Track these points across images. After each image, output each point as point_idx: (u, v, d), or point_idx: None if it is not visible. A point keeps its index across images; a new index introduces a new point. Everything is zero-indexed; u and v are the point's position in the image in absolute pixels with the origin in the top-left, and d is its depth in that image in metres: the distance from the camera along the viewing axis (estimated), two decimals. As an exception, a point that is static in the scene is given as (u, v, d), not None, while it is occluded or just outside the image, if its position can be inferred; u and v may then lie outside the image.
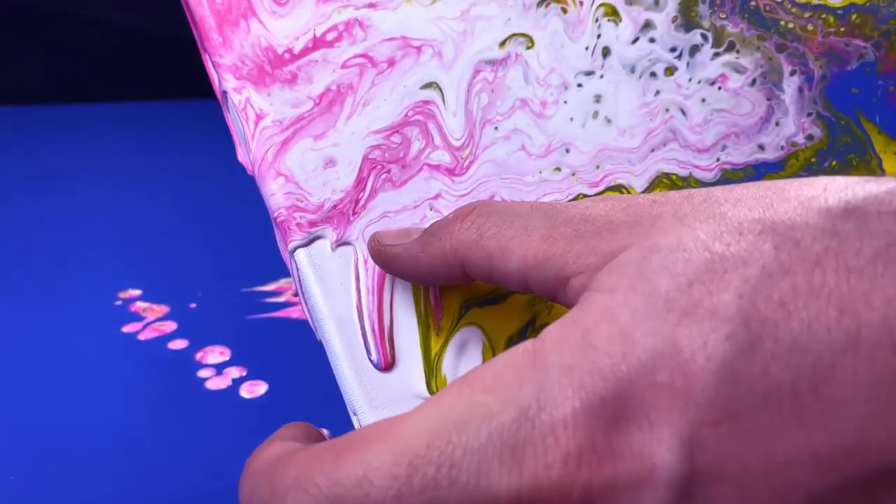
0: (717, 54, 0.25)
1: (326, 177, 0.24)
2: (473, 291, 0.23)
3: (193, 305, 0.41)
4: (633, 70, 0.25)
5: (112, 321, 0.38)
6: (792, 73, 0.25)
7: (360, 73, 0.25)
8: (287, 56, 0.25)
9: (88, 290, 0.42)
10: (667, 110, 0.25)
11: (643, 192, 0.25)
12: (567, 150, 0.25)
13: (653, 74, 0.25)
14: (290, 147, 0.25)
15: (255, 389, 0.33)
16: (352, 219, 0.23)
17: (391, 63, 0.26)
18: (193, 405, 0.31)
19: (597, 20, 0.26)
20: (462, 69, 0.25)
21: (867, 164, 0.25)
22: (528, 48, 0.26)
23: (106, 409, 0.30)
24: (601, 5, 0.25)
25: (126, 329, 0.37)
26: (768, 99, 0.25)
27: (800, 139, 0.25)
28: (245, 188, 0.69)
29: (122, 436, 0.29)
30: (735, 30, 0.25)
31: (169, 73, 1.05)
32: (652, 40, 0.25)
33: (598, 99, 0.26)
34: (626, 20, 0.25)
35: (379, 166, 0.25)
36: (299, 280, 0.23)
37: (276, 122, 0.25)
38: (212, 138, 0.90)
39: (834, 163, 0.25)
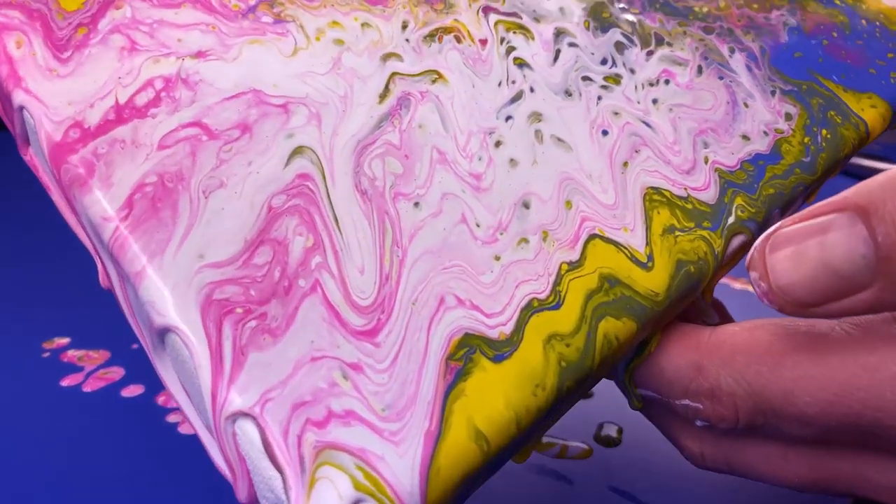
0: (650, 53, 0.24)
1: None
2: None
3: (136, 346, 0.38)
4: (567, 93, 0.22)
5: (46, 376, 0.35)
6: (731, 52, 0.24)
7: (191, 150, 0.17)
8: (73, 135, 0.17)
9: (6, 345, 0.38)
10: (616, 113, 0.22)
11: (645, 235, 0.20)
12: (526, 206, 0.19)
13: (586, 79, 0.22)
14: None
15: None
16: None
17: (244, 129, 0.18)
18: (170, 456, 0.28)
19: (503, 41, 0.22)
20: (344, 155, 0.19)
21: (855, 127, 0.24)
22: (436, 81, 0.21)
23: (70, 480, 0.27)
24: (499, 22, 0.22)
25: (66, 382, 0.34)
26: (720, 77, 0.24)
27: (781, 124, 0.24)
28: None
29: None
30: (654, 24, 0.24)
31: None
32: (572, 45, 0.23)
33: (537, 117, 0.21)
34: (537, 39, 0.23)
35: (239, 309, 0.16)
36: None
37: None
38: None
39: (825, 132, 0.24)
